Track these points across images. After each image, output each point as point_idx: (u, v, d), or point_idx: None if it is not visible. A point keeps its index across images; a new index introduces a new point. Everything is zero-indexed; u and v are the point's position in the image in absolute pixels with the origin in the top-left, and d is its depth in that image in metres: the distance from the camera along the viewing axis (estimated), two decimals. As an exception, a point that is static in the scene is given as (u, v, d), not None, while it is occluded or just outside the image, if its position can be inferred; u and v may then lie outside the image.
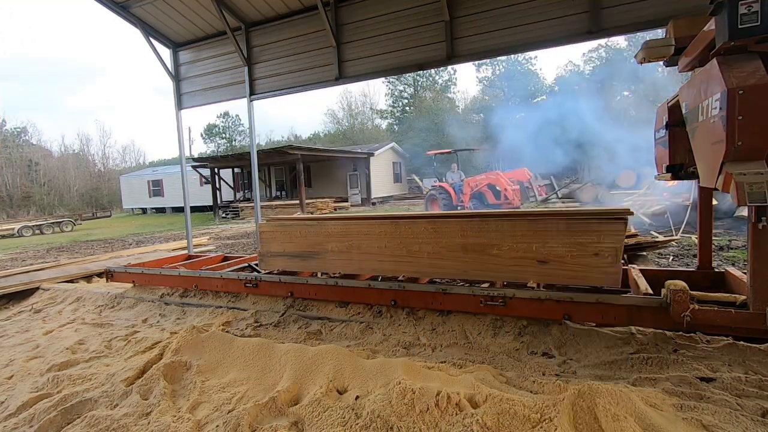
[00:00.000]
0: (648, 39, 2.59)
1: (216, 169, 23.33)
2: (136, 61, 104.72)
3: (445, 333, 2.92)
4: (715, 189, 1.97)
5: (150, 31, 7.41)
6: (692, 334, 2.48)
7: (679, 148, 2.61)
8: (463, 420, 1.73)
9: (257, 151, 8.94)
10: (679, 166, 2.65)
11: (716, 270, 2.99)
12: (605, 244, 2.57)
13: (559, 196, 17.06)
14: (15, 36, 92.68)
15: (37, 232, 19.01)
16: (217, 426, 1.93)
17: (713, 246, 3.38)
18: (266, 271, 4.07)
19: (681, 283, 2.28)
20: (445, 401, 1.81)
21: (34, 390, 2.48)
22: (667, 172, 2.70)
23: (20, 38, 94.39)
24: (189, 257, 5.66)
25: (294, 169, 22.49)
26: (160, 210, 30.91)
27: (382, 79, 39.71)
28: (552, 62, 79.18)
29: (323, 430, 1.82)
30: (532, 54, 38.13)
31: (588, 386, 1.77)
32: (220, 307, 3.89)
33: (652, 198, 10.29)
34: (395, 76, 38.30)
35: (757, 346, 2.26)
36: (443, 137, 36.16)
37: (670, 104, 2.63)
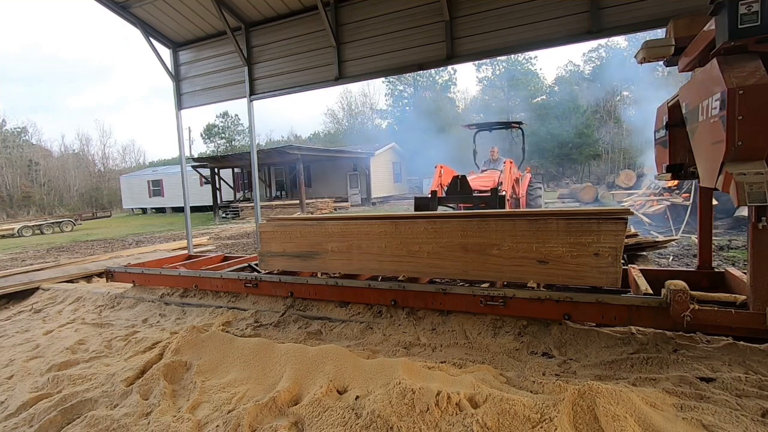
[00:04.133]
0: (648, 39, 2.59)
1: (216, 169, 23.33)
2: (136, 61, 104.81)
3: (445, 333, 2.92)
4: (715, 189, 1.97)
5: (150, 31, 7.41)
6: (692, 334, 2.48)
7: (679, 148, 2.61)
8: (463, 420, 1.73)
9: (257, 151, 8.93)
10: (679, 166, 2.65)
11: (716, 270, 2.99)
12: (605, 244, 2.57)
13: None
14: (15, 37, 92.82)
15: (37, 232, 19.00)
16: (218, 426, 1.93)
17: (713, 246, 3.38)
18: (266, 271, 4.07)
19: (681, 283, 2.28)
20: (445, 401, 1.81)
21: (34, 390, 2.47)
22: (667, 172, 2.69)
23: (21, 39, 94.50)
24: (189, 257, 5.66)
25: (294, 169, 22.52)
26: (160, 210, 30.91)
27: (382, 79, 39.73)
28: (552, 62, 79.34)
29: (323, 430, 1.82)
30: (532, 54, 38.15)
31: (588, 386, 1.77)
32: (220, 307, 3.89)
33: (652, 197, 10.29)
34: (395, 76, 38.29)
35: (757, 346, 2.26)
36: (443, 137, 36.20)
37: (670, 104, 2.63)
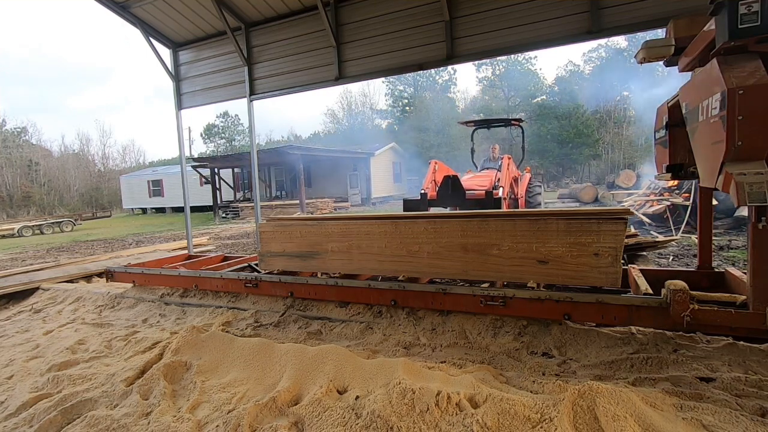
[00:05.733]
0: (648, 39, 2.59)
1: (216, 169, 23.33)
2: (136, 61, 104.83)
3: (445, 333, 2.92)
4: (715, 189, 1.98)
5: (150, 31, 7.41)
6: (692, 334, 2.48)
7: (679, 148, 2.61)
8: (463, 420, 1.73)
9: (257, 151, 8.93)
10: (679, 166, 2.65)
11: (716, 270, 2.99)
12: (605, 244, 2.57)
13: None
14: (16, 39, 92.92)
15: (37, 232, 19.00)
16: (218, 426, 1.93)
17: (713, 246, 3.38)
18: (266, 271, 4.07)
19: (681, 283, 2.28)
20: (445, 401, 1.81)
21: (34, 390, 2.48)
22: (667, 172, 2.70)
23: (22, 41, 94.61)
24: (189, 257, 5.66)
25: (294, 169, 22.50)
26: (160, 210, 30.92)
27: (382, 79, 39.72)
28: (552, 62, 79.44)
29: (323, 430, 1.82)
30: (532, 54, 38.16)
31: (588, 386, 1.77)
32: (220, 307, 3.89)
33: (652, 197, 10.28)
34: (395, 76, 38.28)
35: (757, 346, 2.26)
36: (443, 137, 36.21)
37: (670, 104, 2.63)
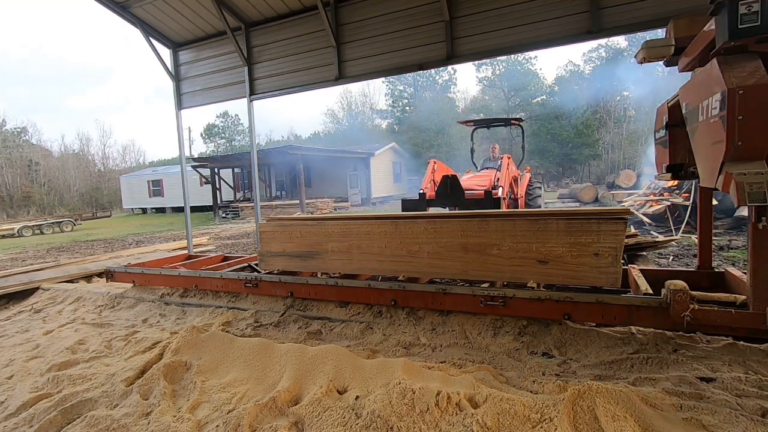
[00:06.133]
0: (648, 39, 2.59)
1: (216, 169, 23.33)
2: (136, 61, 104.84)
3: (445, 333, 2.92)
4: (715, 189, 1.98)
5: (150, 31, 7.41)
6: (692, 334, 2.48)
7: (679, 148, 2.61)
8: (463, 420, 1.73)
9: (257, 151, 8.93)
10: (679, 166, 2.65)
11: (716, 270, 2.99)
12: (605, 244, 2.57)
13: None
14: (17, 39, 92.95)
15: (37, 232, 18.99)
16: (218, 426, 1.93)
17: (713, 246, 3.38)
18: (266, 271, 4.07)
19: (681, 283, 2.28)
20: (445, 401, 1.81)
21: (34, 390, 2.48)
22: (667, 172, 2.70)
23: (23, 41, 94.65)
24: (189, 257, 5.66)
25: (294, 169, 22.49)
26: (160, 210, 30.92)
27: (382, 79, 39.70)
28: (552, 62, 79.49)
29: (323, 430, 1.82)
30: (532, 54, 38.13)
31: (588, 386, 1.77)
32: (220, 307, 3.89)
33: (652, 197, 10.27)
34: (395, 76, 38.25)
35: (757, 346, 2.26)
36: (443, 137, 36.20)
37: (670, 104, 2.63)
